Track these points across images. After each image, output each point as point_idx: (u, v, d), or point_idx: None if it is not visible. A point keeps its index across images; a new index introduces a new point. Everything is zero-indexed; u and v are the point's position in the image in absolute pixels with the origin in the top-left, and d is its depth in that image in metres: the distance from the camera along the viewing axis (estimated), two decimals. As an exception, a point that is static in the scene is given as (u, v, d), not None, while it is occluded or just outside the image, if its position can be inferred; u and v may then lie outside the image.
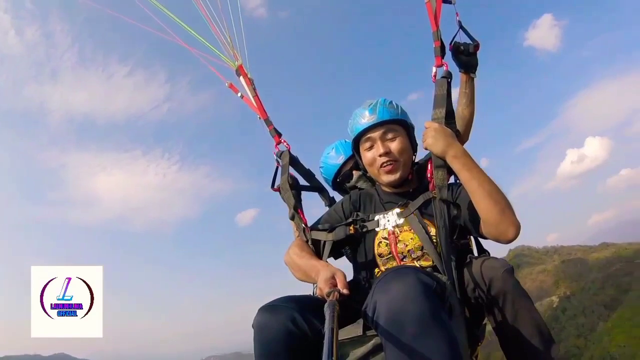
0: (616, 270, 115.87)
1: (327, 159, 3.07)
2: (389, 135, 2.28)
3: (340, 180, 2.99)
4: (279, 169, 2.73)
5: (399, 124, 2.32)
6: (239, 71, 2.88)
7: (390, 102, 2.36)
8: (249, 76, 2.87)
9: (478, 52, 2.47)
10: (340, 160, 2.98)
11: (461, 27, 2.43)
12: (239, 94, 2.91)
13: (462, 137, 2.52)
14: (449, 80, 2.21)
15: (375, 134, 2.29)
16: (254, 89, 2.86)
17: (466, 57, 2.48)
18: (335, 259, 2.60)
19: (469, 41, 2.49)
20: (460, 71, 2.58)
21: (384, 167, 2.27)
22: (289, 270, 2.30)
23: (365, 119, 2.30)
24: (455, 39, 2.47)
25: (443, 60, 2.25)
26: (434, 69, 2.25)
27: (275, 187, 2.66)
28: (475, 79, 2.56)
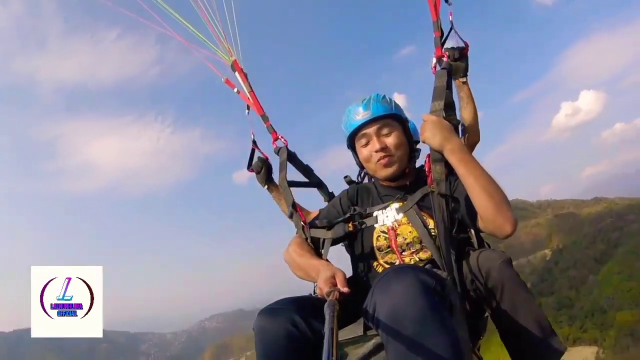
0: (607, 225, 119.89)
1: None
2: (385, 131, 2.23)
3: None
4: (255, 150, 2.78)
5: (393, 119, 2.26)
6: (234, 66, 2.82)
7: (384, 97, 2.29)
8: (244, 71, 2.81)
9: (467, 53, 2.39)
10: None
11: (452, 27, 2.32)
12: (235, 89, 2.84)
13: (472, 137, 2.50)
14: (450, 71, 2.15)
15: (371, 130, 2.24)
16: (250, 85, 2.80)
17: (454, 63, 2.38)
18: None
19: (457, 44, 2.39)
20: (453, 78, 2.48)
21: (381, 161, 2.23)
22: (289, 268, 2.26)
23: (360, 115, 2.25)
24: (446, 40, 2.33)
25: (443, 51, 2.19)
26: (433, 60, 2.18)
27: (250, 168, 2.77)
28: (466, 82, 2.48)
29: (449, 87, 2.10)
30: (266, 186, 2.69)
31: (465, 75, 2.44)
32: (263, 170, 2.80)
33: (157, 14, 2.77)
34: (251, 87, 2.81)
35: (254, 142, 2.84)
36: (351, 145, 2.38)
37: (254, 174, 2.91)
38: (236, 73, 2.83)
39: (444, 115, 2.05)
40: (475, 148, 2.56)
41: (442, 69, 2.13)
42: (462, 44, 2.36)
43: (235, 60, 2.82)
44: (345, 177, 2.79)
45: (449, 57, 2.32)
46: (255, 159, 2.92)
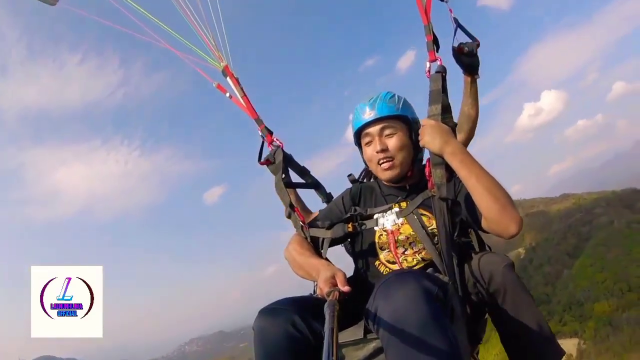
0: (576, 221, 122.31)
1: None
2: (387, 132, 2.22)
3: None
4: (264, 143, 2.69)
5: (399, 120, 2.24)
6: (225, 72, 2.81)
7: (392, 97, 2.29)
8: (235, 76, 2.81)
9: (478, 50, 2.40)
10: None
11: (458, 24, 2.33)
12: (227, 94, 2.83)
13: (468, 134, 2.52)
14: (444, 74, 2.13)
15: (374, 130, 2.23)
16: (242, 89, 2.79)
17: (469, 58, 2.41)
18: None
19: (468, 40, 2.41)
20: (464, 73, 2.51)
21: (382, 163, 2.22)
22: (289, 266, 2.26)
23: (365, 114, 2.25)
24: (455, 33, 2.37)
25: (436, 54, 2.16)
26: (427, 64, 2.15)
27: (262, 161, 2.65)
28: (478, 79, 2.49)
29: (444, 90, 2.10)
30: (283, 175, 2.55)
31: (478, 72, 2.47)
32: (278, 160, 2.63)
33: (145, 25, 2.77)
34: (244, 92, 2.80)
35: (262, 136, 2.72)
36: (358, 143, 2.38)
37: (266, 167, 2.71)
38: (228, 78, 2.83)
39: (441, 118, 2.07)
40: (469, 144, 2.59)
41: (436, 72, 2.12)
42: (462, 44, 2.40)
43: (227, 65, 2.83)
44: (349, 175, 2.77)
45: (465, 51, 2.37)
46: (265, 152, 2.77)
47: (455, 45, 2.39)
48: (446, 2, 2.31)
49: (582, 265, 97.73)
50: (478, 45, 2.38)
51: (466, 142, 2.56)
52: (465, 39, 2.42)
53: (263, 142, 2.71)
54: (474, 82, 2.50)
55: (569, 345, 77.02)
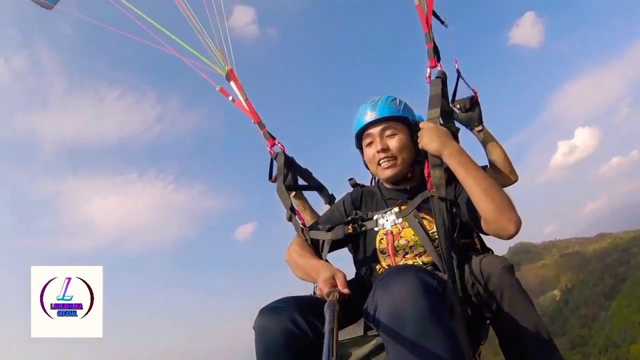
0: (613, 261, 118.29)
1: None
2: (388, 132, 2.24)
3: None
4: (274, 162, 2.73)
5: (400, 121, 2.27)
6: (229, 76, 2.85)
7: (394, 99, 2.31)
8: (239, 81, 2.85)
9: (478, 100, 2.43)
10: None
11: (459, 75, 2.38)
12: (230, 98, 2.87)
13: (510, 177, 2.45)
14: (444, 79, 2.18)
15: (375, 131, 2.25)
16: (245, 93, 2.83)
17: (465, 114, 2.44)
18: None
19: (465, 95, 2.44)
20: (467, 128, 2.51)
21: (382, 163, 2.23)
22: (289, 269, 2.27)
23: (367, 115, 2.27)
24: (455, 92, 2.42)
25: (436, 61, 2.22)
26: (428, 70, 2.20)
27: (272, 179, 2.66)
28: (483, 129, 2.48)
29: (444, 95, 2.15)
30: (283, 185, 2.52)
31: (481, 123, 2.47)
32: (279, 163, 2.67)
33: (151, 31, 2.80)
34: (246, 96, 2.83)
35: (271, 153, 2.77)
36: (359, 145, 2.40)
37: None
38: (231, 82, 2.86)
39: (442, 122, 2.11)
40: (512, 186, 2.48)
41: (436, 77, 2.17)
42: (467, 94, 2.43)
43: (231, 69, 2.86)
44: (350, 179, 2.77)
45: (460, 108, 2.42)
46: (275, 169, 2.76)
47: (453, 104, 2.42)
48: (446, 26, 2.37)
49: (618, 306, 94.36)
50: (474, 97, 2.43)
51: (511, 182, 2.47)
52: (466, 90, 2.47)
53: (272, 160, 2.72)
54: (480, 132, 2.49)
55: (604, 388, 73.91)
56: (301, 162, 2.80)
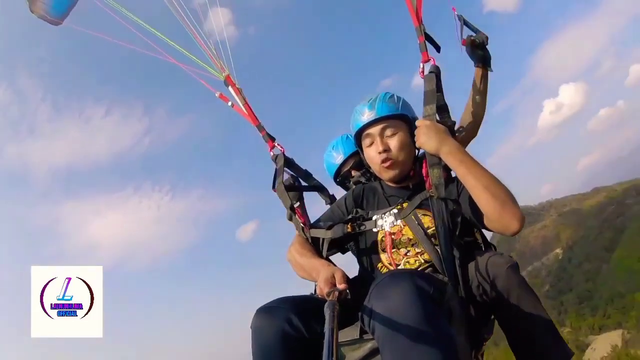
0: (609, 214, 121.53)
1: (328, 157, 3.01)
2: (388, 132, 2.20)
3: (340, 180, 2.96)
4: (277, 170, 2.63)
5: (399, 119, 2.23)
6: (227, 81, 2.86)
7: (391, 97, 2.26)
8: (237, 86, 2.84)
9: (488, 44, 2.36)
10: (339, 160, 2.92)
11: (464, 22, 2.30)
12: (230, 103, 2.87)
13: (471, 133, 2.44)
14: (438, 74, 2.10)
15: (374, 131, 2.21)
16: (244, 98, 2.83)
17: (482, 51, 2.36)
18: (343, 253, 2.51)
19: (478, 33, 2.37)
20: (477, 66, 2.42)
21: (384, 164, 2.19)
22: (290, 268, 2.27)
23: (365, 115, 2.22)
24: (462, 30, 2.33)
25: (429, 55, 2.14)
26: (421, 65, 2.14)
27: (275, 188, 2.60)
28: (491, 72, 2.43)
29: (439, 90, 2.09)
30: (297, 203, 2.47)
31: (490, 65, 2.41)
32: (279, 165, 2.58)
33: (149, 39, 2.79)
34: (245, 100, 2.83)
35: (274, 160, 2.65)
36: (358, 144, 2.36)
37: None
38: (229, 88, 2.86)
39: (438, 118, 2.06)
40: (471, 143, 2.47)
41: (430, 72, 2.10)
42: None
43: (228, 75, 2.86)
44: (352, 177, 2.78)
45: (476, 43, 2.32)
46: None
47: (466, 38, 2.34)
48: (438, 52, 2.23)
49: (619, 257, 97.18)
50: (487, 39, 2.34)
51: (467, 141, 2.47)
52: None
53: (276, 170, 2.64)
54: (485, 77, 2.41)
55: (614, 336, 75.34)
56: (300, 163, 2.74)
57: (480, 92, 2.44)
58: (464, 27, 2.34)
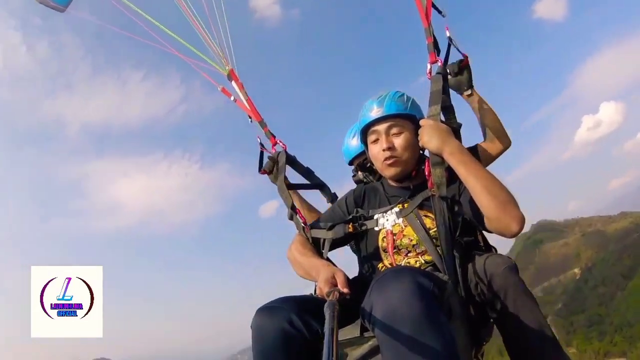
0: (633, 241, 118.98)
1: (348, 140, 2.97)
2: (394, 130, 2.19)
3: (353, 166, 2.92)
4: (264, 153, 2.70)
5: (406, 119, 2.21)
6: (230, 76, 2.85)
7: (401, 96, 2.25)
8: (239, 80, 2.85)
9: (468, 64, 2.32)
10: (357, 148, 2.86)
11: (450, 42, 2.24)
12: (232, 98, 2.86)
13: (502, 140, 2.38)
14: (445, 75, 2.10)
15: (380, 128, 2.20)
16: (246, 92, 2.83)
17: (454, 78, 2.34)
18: (349, 249, 2.52)
19: (455, 59, 2.32)
20: (466, 94, 2.40)
21: (386, 161, 2.19)
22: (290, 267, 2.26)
23: (373, 111, 2.21)
24: (448, 56, 2.24)
25: (437, 56, 2.15)
26: (428, 66, 2.14)
27: (261, 170, 2.62)
28: (473, 94, 2.38)
29: (445, 91, 2.08)
30: (284, 184, 2.46)
31: (470, 87, 2.36)
32: (275, 168, 2.63)
33: (153, 32, 2.83)
34: (247, 95, 2.84)
35: (262, 145, 2.75)
36: (364, 139, 2.34)
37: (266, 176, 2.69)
38: (233, 82, 2.87)
39: (443, 119, 2.06)
40: (504, 154, 2.42)
41: (437, 73, 2.10)
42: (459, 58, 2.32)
43: (232, 69, 2.86)
44: (353, 176, 2.81)
45: (450, 73, 2.27)
46: (265, 160, 2.73)
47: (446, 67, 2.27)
48: (444, 16, 2.27)
49: (635, 286, 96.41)
50: (463, 61, 2.32)
51: (500, 152, 2.42)
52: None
53: (262, 152, 2.70)
54: (470, 97, 2.39)
55: (617, 364, 79.09)
56: (306, 159, 2.73)
57: (477, 111, 2.40)
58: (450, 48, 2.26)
